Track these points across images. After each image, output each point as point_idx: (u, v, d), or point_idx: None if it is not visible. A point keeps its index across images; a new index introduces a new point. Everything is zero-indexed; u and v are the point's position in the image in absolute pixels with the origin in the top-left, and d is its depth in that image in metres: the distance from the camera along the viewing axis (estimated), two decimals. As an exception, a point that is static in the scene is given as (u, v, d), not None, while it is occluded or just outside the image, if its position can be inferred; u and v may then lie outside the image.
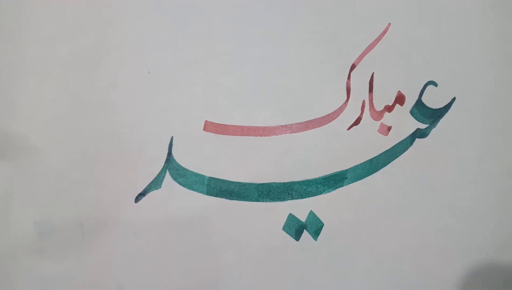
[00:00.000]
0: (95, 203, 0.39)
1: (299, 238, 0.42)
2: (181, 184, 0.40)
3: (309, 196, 0.42)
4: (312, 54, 0.42)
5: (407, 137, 0.43)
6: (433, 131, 0.44)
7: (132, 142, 0.40)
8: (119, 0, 0.39)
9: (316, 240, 0.42)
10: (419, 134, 0.43)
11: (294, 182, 0.42)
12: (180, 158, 0.40)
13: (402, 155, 0.43)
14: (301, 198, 0.42)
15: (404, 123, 0.43)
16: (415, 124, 0.43)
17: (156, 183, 0.40)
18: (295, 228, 0.42)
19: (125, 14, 0.39)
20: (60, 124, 0.39)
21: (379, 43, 0.42)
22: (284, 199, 0.42)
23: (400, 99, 0.43)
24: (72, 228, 0.39)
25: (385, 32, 0.42)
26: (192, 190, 0.40)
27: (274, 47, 0.41)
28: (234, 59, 0.41)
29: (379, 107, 0.43)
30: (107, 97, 0.39)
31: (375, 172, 0.43)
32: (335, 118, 0.42)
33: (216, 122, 0.41)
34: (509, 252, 0.45)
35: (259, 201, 0.41)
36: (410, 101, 0.43)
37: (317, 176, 0.42)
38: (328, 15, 0.42)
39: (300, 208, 0.42)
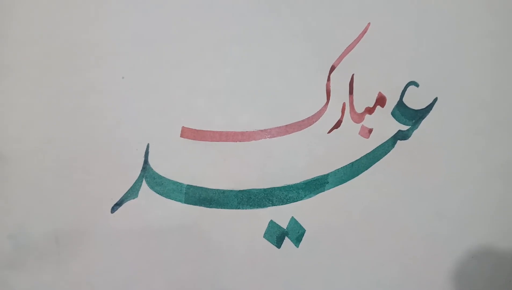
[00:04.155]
0: (71, 213, 0.39)
1: (281, 245, 0.42)
2: (158, 193, 0.40)
3: (290, 202, 0.42)
4: (290, 56, 0.41)
5: (389, 139, 0.43)
6: (415, 133, 0.43)
7: (107, 150, 0.39)
8: (93, 2, 0.38)
9: (298, 247, 0.42)
10: (401, 136, 0.43)
11: (274, 188, 0.41)
12: (156, 166, 0.40)
13: (384, 157, 0.43)
14: (282, 204, 0.41)
15: (385, 125, 0.43)
16: (396, 126, 0.43)
17: (132, 192, 0.39)
18: (276, 235, 0.42)
19: (99, 16, 0.39)
20: (33, 132, 0.38)
21: (358, 43, 0.42)
22: (264, 206, 0.41)
23: (381, 100, 0.43)
24: (47, 240, 0.39)
25: (365, 32, 0.42)
26: (170, 198, 0.40)
27: (251, 49, 0.41)
28: (211, 62, 0.40)
29: (359, 109, 0.43)
30: (81, 104, 0.38)
31: (357, 175, 0.43)
32: (315, 121, 0.42)
33: (194, 128, 0.40)
34: (495, 254, 0.45)
35: (239, 208, 0.41)
36: (391, 103, 0.43)
37: (298, 181, 0.42)
38: (306, 15, 0.41)
39: (281, 214, 0.42)
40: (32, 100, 0.38)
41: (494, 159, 0.44)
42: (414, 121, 0.43)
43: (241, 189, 0.41)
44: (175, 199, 0.40)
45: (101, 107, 0.39)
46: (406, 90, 0.43)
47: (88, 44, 0.38)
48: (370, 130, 0.43)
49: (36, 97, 0.38)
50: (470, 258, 0.44)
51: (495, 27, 0.44)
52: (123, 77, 0.39)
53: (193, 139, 0.40)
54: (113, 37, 0.39)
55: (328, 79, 0.42)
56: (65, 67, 0.38)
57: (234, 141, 0.41)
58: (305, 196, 0.42)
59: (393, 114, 0.43)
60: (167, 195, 0.40)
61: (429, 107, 0.43)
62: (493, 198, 0.45)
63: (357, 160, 0.42)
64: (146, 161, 0.39)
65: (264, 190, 0.41)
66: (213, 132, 0.40)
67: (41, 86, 0.38)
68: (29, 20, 0.38)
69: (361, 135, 0.43)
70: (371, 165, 0.43)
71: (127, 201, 0.39)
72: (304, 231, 0.42)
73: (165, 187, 0.40)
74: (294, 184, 0.41)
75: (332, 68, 0.42)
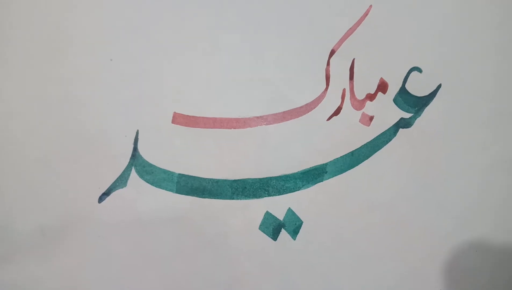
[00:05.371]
0: (57, 204, 0.39)
1: (277, 238, 0.42)
2: (148, 182, 0.39)
3: (287, 192, 0.41)
4: (288, 39, 0.40)
5: (391, 127, 0.43)
6: (418, 121, 0.43)
7: (94, 137, 0.39)
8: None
9: (295, 239, 0.42)
10: (403, 123, 0.43)
11: (270, 177, 0.41)
12: (146, 153, 0.39)
13: (385, 146, 0.43)
14: (278, 195, 0.41)
15: (387, 112, 0.42)
16: (398, 113, 0.43)
17: (121, 181, 0.39)
18: (272, 227, 0.41)
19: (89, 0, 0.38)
20: (17, 121, 0.37)
21: (359, 27, 0.41)
22: (260, 196, 0.41)
23: (382, 86, 0.42)
24: (33, 232, 0.39)
25: (366, 15, 0.41)
26: (161, 188, 0.40)
27: (248, 33, 0.40)
28: (206, 46, 0.39)
29: (360, 95, 0.42)
30: (69, 90, 0.38)
31: (357, 165, 0.42)
32: (314, 108, 0.41)
33: (186, 114, 0.39)
34: (498, 248, 0.45)
35: (233, 198, 0.41)
36: (393, 89, 0.42)
37: (295, 171, 0.41)
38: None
39: (278, 205, 0.41)
40: (17, 89, 0.37)
41: (498, 150, 0.44)
42: (417, 108, 0.43)
43: (236, 178, 0.40)
44: (166, 189, 0.39)
45: (89, 92, 0.38)
46: (409, 76, 0.42)
47: (76, 30, 0.38)
48: (371, 118, 0.42)
49: (21, 86, 0.37)
50: (472, 252, 0.44)
51: (501, 16, 0.43)
52: (111, 60, 0.38)
53: (185, 126, 0.39)
54: (103, 22, 0.38)
55: (328, 64, 0.41)
56: (51, 54, 0.38)
57: (228, 128, 0.40)
58: (302, 186, 0.41)
59: (395, 101, 0.43)
60: (158, 185, 0.39)
61: (433, 94, 0.43)
62: (497, 190, 0.44)
63: (357, 149, 0.42)
64: (135, 149, 0.39)
65: (260, 179, 0.41)
66: (207, 118, 0.40)
67: (26, 74, 0.37)
68: (13, 6, 0.37)
69: (362, 123, 0.42)
70: (372, 154, 0.42)
71: (116, 190, 0.39)
72: (302, 222, 0.42)
73: (156, 176, 0.39)
74: (291, 174, 0.41)
75: (332, 52, 0.41)
